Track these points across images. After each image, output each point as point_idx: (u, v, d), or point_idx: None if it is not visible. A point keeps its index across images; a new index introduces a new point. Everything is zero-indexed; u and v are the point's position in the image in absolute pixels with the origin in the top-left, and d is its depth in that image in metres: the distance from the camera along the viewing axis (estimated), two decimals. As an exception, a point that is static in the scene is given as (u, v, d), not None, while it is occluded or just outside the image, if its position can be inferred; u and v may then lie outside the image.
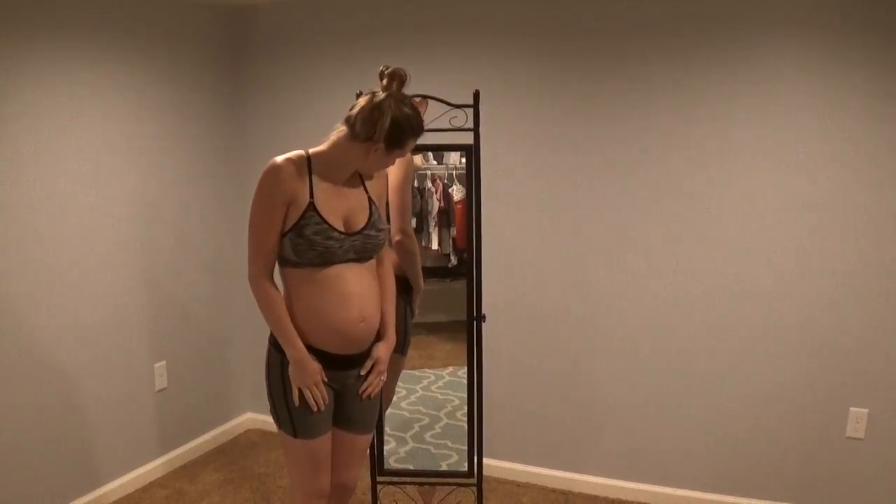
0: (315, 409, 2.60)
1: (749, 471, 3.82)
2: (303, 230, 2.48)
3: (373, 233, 2.63)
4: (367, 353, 2.73)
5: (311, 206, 2.50)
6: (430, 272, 3.56)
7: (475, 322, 3.36)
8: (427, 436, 4.45)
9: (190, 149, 4.41)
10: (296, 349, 2.55)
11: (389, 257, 2.90)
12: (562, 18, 3.84)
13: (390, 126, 2.45)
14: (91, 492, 3.92)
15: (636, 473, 4.05)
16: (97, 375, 3.92)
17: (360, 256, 2.62)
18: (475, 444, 3.48)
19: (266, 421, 4.93)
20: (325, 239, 2.50)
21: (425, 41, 4.15)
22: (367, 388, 2.76)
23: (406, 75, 2.54)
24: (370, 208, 2.65)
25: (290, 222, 2.49)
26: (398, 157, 2.61)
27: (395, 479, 3.63)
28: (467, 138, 3.24)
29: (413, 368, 4.88)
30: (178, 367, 4.45)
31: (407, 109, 2.49)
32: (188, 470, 4.42)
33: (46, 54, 3.54)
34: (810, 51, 3.44)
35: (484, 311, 3.48)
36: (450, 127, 3.20)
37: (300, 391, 2.59)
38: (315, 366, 2.58)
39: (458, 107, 3.20)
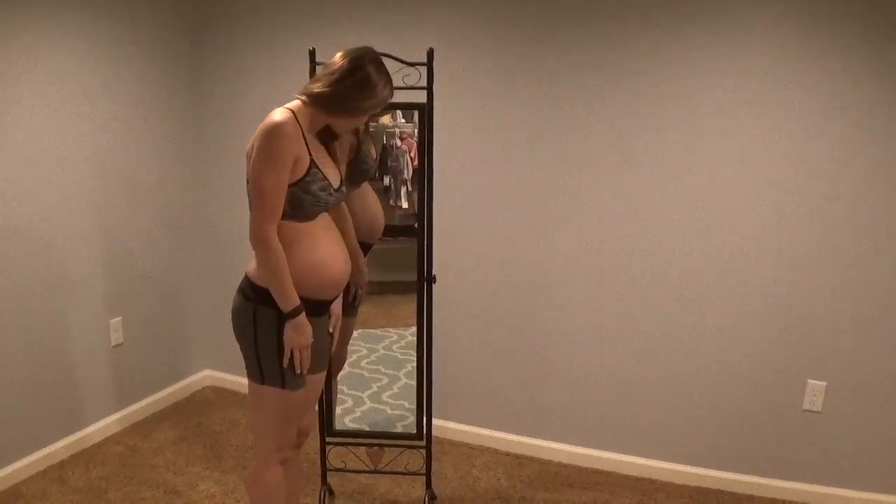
0: (299, 370, 2.63)
1: (705, 441, 3.80)
2: (309, 186, 2.51)
3: (345, 188, 2.77)
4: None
5: (314, 163, 2.53)
6: (396, 230, 3.50)
7: (425, 283, 3.31)
8: (385, 396, 4.42)
9: (147, 101, 4.32)
10: (297, 308, 2.56)
11: (344, 205, 2.98)
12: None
13: (349, 99, 2.51)
14: (44, 447, 3.90)
15: (591, 440, 4.03)
16: (51, 330, 3.87)
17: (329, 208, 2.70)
18: (424, 407, 3.45)
19: (224, 379, 4.91)
20: (328, 195, 2.59)
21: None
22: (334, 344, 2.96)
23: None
24: (337, 165, 2.73)
25: (295, 177, 2.50)
26: (362, 121, 2.70)
27: (344, 440, 3.59)
28: (421, 97, 3.17)
29: (375, 327, 4.84)
30: (135, 322, 4.40)
31: (360, 78, 2.51)
32: (143, 426, 4.39)
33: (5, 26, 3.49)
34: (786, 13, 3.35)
35: (438, 272, 3.42)
36: (403, 85, 3.13)
37: (291, 353, 2.61)
38: (309, 327, 2.61)
39: (411, 64, 3.12)
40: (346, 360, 3.77)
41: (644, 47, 3.57)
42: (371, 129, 4.20)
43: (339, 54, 2.55)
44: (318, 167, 2.53)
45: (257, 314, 2.61)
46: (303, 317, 2.57)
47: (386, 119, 4.01)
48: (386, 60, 3.05)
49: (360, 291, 3.37)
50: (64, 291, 3.93)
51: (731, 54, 3.44)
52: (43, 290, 3.81)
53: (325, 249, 2.62)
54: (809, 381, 3.58)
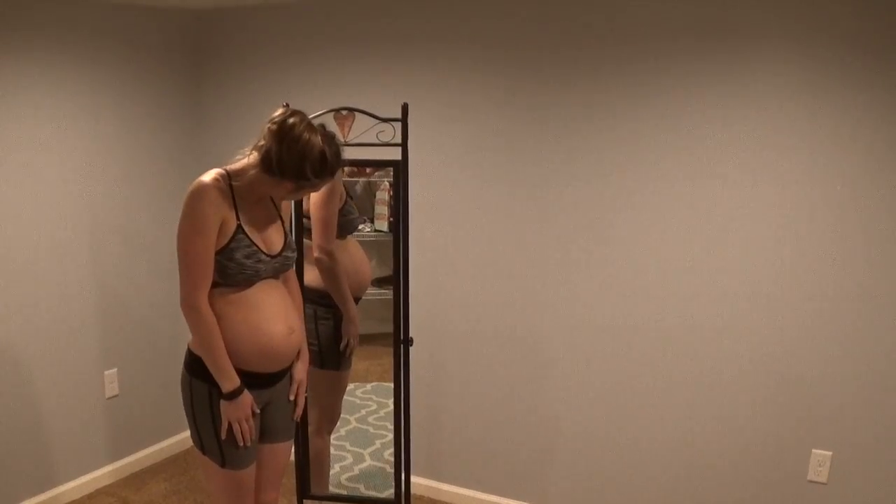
0: (241, 443, 2.54)
1: (703, 511, 3.63)
2: (233, 253, 2.43)
3: (289, 254, 2.65)
4: (289, 369, 2.73)
5: (240, 228, 2.46)
6: (387, 282, 3.44)
7: (402, 346, 3.22)
8: (387, 453, 4.35)
9: (140, 150, 4.30)
10: (232, 382, 2.48)
11: (294, 274, 2.85)
12: (498, 29, 3.66)
13: (301, 169, 2.40)
14: (36, 496, 3.90)
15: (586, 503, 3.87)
16: (44, 381, 3.87)
17: (276, 275, 2.61)
18: (402, 473, 3.34)
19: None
20: (256, 262, 2.48)
21: (352, 51, 4.02)
22: (297, 411, 2.82)
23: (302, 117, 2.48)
24: (283, 228, 2.65)
25: (219, 245, 2.43)
26: (312, 191, 2.63)
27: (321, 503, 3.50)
28: (396, 154, 3.10)
29: (388, 381, 4.77)
30: (131, 374, 4.37)
31: (317, 149, 2.41)
32: (136, 479, 4.35)
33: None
34: (789, 57, 3.21)
35: (425, 328, 3.42)
36: (377, 142, 3.07)
37: (229, 425, 2.52)
38: (248, 398, 2.53)
39: (385, 120, 3.06)
40: (339, 416, 3.67)
41: (624, 103, 3.47)
42: (367, 181, 4.18)
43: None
44: (244, 233, 2.45)
45: (192, 386, 2.56)
46: (236, 394, 2.49)
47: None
48: (360, 117, 3.03)
49: (351, 341, 3.31)
50: (58, 342, 3.92)
51: (732, 101, 3.31)
52: (36, 341, 3.81)
53: (262, 318, 2.51)
54: (814, 450, 3.39)
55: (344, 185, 3.30)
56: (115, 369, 4.25)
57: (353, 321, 3.28)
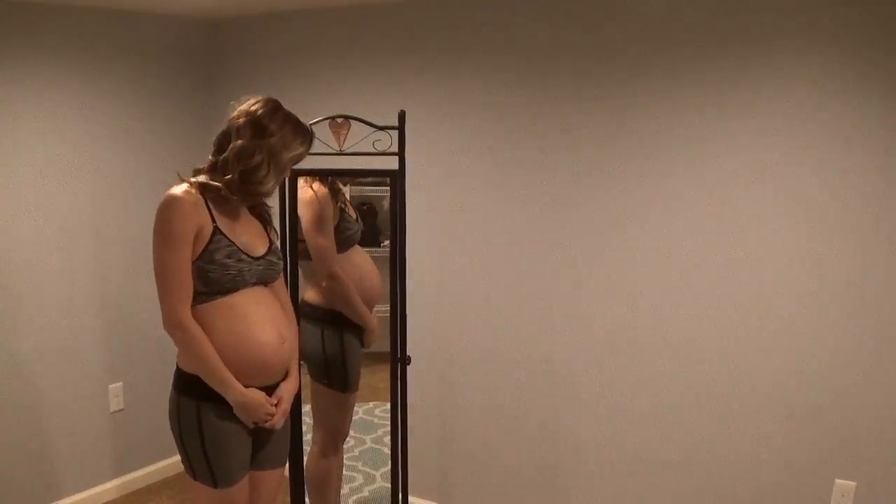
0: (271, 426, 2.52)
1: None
2: (213, 255, 2.38)
3: (274, 259, 2.60)
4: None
5: (217, 230, 2.41)
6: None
7: (399, 364, 3.11)
8: (398, 476, 4.25)
9: (149, 165, 4.25)
10: (235, 389, 2.42)
11: (285, 289, 2.77)
12: (497, 36, 3.56)
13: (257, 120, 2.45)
14: (39, 513, 3.86)
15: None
16: (49, 395, 3.83)
17: (263, 282, 2.54)
18: (399, 495, 3.23)
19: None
20: (237, 261, 2.42)
21: (345, 58, 3.95)
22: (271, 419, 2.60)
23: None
24: (266, 234, 2.60)
25: (197, 250, 2.38)
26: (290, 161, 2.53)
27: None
28: (392, 163, 3.00)
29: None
30: (136, 388, 4.31)
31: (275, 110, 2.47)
32: (142, 495, 4.29)
33: (7, 70, 3.51)
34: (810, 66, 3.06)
35: (438, 344, 3.39)
36: (374, 151, 2.98)
37: (216, 438, 2.46)
38: (259, 395, 2.47)
39: (382, 128, 2.97)
40: (346, 436, 3.59)
41: (637, 112, 3.34)
42: (377, 193, 4.11)
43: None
44: (222, 234, 2.39)
45: (180, 404, 2.50)
46: (247, 393, 2.43)
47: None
48: (356, 125, 2.94)
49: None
50: (63, 356, 3.89)
51: (749, 122, 3.16)
52: (41, 355, 3.78)
53: (250, 327, 2.44)
54: (837, 480, 3.23)
55: (349, 201, 3.27)
56: (119, 383, 4.20)
57: (373, 332, 3.23)
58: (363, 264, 3.33)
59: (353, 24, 3.91)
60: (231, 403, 2.42)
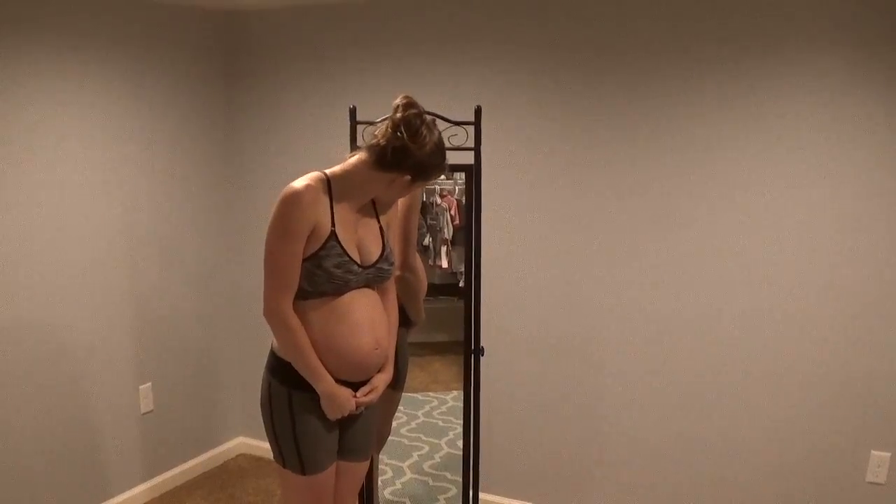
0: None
1: (763, 514, 3.61)
2: (322, 261, 2.37)
3: (386, 266, 2.57)
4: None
5: (333, 234, 2.39)
6: (437, 290, 3.38)
7: (473, 356, 3.15)
8: (426, 466, 4.29)
9: (178, 161, 4.22)
10: (326, 382, 2.45)
11: (394, 288, 2.76)
12: (568, 34, 3.61)
13: (423, 159, 2.37)
14: (71, 518, 3.77)
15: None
16: (79, 397, 3.75)
17: (370, 285, 2.54)
18: (470, 488, 3.27)
19: (258, 447, 4.74)
20: (345, 272, 2.41)
21: (423, 52, 3.94)
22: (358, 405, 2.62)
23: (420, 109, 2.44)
24: (382, 239, 2.57)
25: (309, 250, 2.37)
26: (420, 187, 2.59)
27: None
28: (468, 158, 3.04)
29: (416, 391, 4.70)
30: (166, 389, 4.26)
31: (436, 141, 2.41)
32: (174, 496, 4.24)
33: (29, 63, 3.40)
34: (830, 69, 3.21)
35: (486, 338, 3.31)
36: (449, 146, 3.00)
37: (306, 426, 2.49)
38: (346, 391, 2.50)
39: (458, 124, 3.00)
40: (388, 435, 3.62)
41: (696, 110, 3.44)
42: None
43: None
44: (338, 241, 2.39)
45: (272, 389, 2.51)
46: (336, 387, 2.46)
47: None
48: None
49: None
50: (92, 357, 3.82)
51: (792, 123, 3.29)
52: (71, 356, 3.70)
53: (346, 330, 2.45)
54: (873, 451, 3.38)
55: None
56: (149, 384, 4.14)
57: (418, 324, 3.24)
58: (420, 262, 3.36)
59: (412, 15, 3.93)
60: (319, 394, 2.45)
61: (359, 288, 2.49)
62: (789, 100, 3.27)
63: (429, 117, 2.42)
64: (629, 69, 3.52)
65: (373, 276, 2.52)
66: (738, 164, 3.41)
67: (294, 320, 2.40)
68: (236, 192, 4.52)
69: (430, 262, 4.09)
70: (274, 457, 2.58)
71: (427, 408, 4.65)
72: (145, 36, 3.93)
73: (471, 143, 3.03)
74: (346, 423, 2.63)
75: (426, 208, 4.19)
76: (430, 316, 3.34)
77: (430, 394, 4.56)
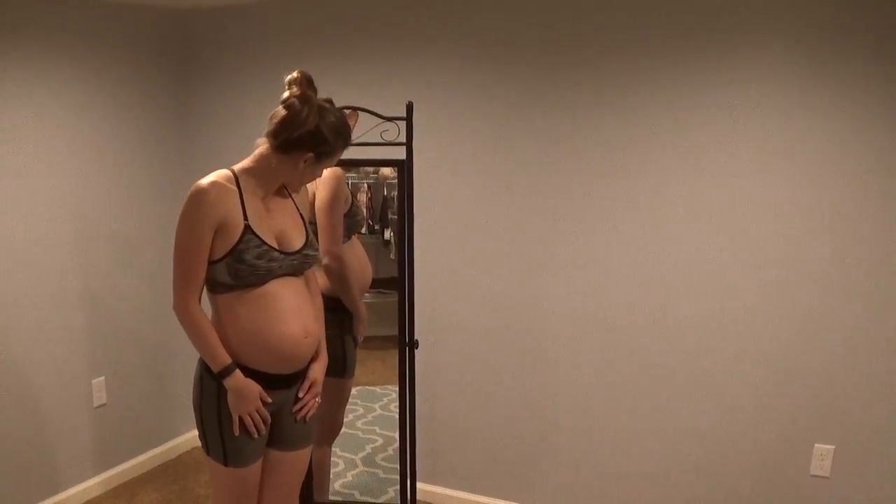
0: (255, 434, 2.51)
1: (706, 508, 3.61)
2: (242, 255, 2.36)
3: (311, 252, 2.57)
4: (305, 371, 2.65)
5: (248, 228, 2.39)
6: (393, 283, 3.37)
7: (407, 348, 3.16)
8: (378, 458, 4.30)
9: (131, 159, 4.22)
10: (233, 377, 2.44)
11: (314, 275, 2.76)
12: (504, 28, 3.62)
13: (318, 134, 2.37)
14: (22, 510, 3.79)
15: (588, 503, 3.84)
16: (30, 391, 3.76)
17: (294, 273, 2.53)
18: (408, 479, 3.29)
19: (215, 438, 4.74)
20: (268, 262, 2.41)
21: (357, 49, 3.96)
22: (302, 409, 2.66)
23: (308, 76, 2.44)
24: (304, 226, 2.59)
25: (226, 246, 2.37)
26: (328, 166, 2.54)
27: (326, 511, 3.44)
28: (400, 153, 3.04)
29: (374, 385, 4.71)
30: (119, 382, 4.27)
31: (332, 115, 2.41)
32: (127, 489, 4.25)
33: None
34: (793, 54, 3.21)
35: (428, 329, 3.42)
36: (381, 141, 3.02)
37: (240, 419, 2.48)
38: (255, 389, 2.47)
39: (390, 119, 3.01)
40: (341, 426, 3.61)
41: (640, 100, 3.45)
42: (371, 181, 4.14)
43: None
44: (253, 233, 2.39)
45: (203, 381, 2.53)
46: (237, 378, 2.44)
47: (387, 170, 3.94)
48: (363, 116, 2.97)
49: (358, 339, 3.28)
50: (44, 351, 3.82)
51: (741, 106, 3.30)
52: (22, 350, 3.71)
53: (275, 319, 2.45)
54: (817, 444, 3.39)
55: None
56: (102, 378, 4.15)
57: (362, 321, 3.24)
58: (360, 253, 3.36)
59: (354, 13, 3.93)
60: (227, 387, 2.45)
61: (284, 276, 2.48)
62: (723, 91, 3.28)
63: (319, 97, 2.43)
64: (572, 62, 3.53)
65: (298, 264, 2.51)
66: (683, 152, 3.42)
67: (200, 314, 2.42)
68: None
69: (392, 257, 4.10)
70: (200, 443, 2.59)
71: (385, 400, 4.66)
72: (95, 34, 3.93)
73: (402, 139, 3.02)
74: (284, 413, 2.63)
75: (388, 202, 4.21)
76: (390, 309, 3.34)
77: (388, 387, 4.56)
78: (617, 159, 3.52)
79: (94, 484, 4.16)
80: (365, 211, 4.12)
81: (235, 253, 2.36)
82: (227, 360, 2.43)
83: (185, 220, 2.36)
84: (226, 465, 2.53)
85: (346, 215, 3.08)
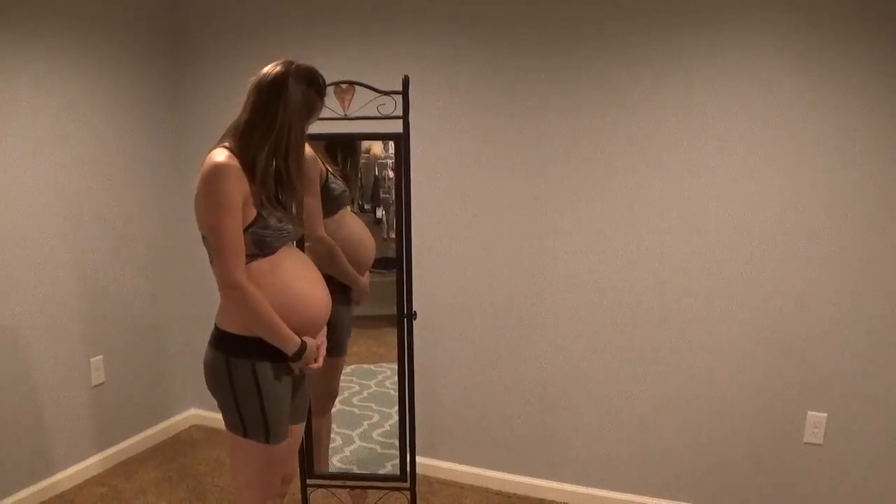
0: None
1: (703, 476, 3.67)
2: (268, 220, 2.39)
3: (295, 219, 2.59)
4: None
5: (259, 196, 2.41)
6: (391, 263, 3.39)
7: (405, 320, 3.19)
8: (375, 434, 4.31)
9: (123, 138, 4.22)
10: (295, 339, 2.46)
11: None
12: (502, 4, 3.64)
13: (285, 82, 2.42)
14: (27, 487, 3.81)
15: (582, 477, 3.90)
16: (28, 370, 3.77)
17: (293, 239, 2.60)
18: (407, 447, 3.32)
19: (210, 417, 4.79)
20: (287, 223, 2.47)
21: (353, 24, 3.97)
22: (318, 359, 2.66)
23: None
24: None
25: (250, 217, 2.37)
26: (310, 121, 2.55)
27: (326, 482, 3.47)
28: (396, 126, 3.06)
29: (369, 362, 4.73)
30: (117, 361, 4.29)
31: (302, 67, 2.46)
32: (126, 467, 4.28)
33: None
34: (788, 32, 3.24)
35: (424, 304, 3.42)
36: (377, 115, 3.03)
37: (273, 396, 2.49)
38: (312, 342, 2.55)
39: (386, 93, 3.02)
40: (336, 394, 3.64)
41: (634, 79, 3.48)
42: (363, 161, 4.14)
43: None
44: (266, 200, 2.41)
45: (231, 366, 2.46)
46: (310, 349, 2.51)
47: (378, 149, 3.93)
48: (360, 90, 2.99)
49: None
50: (43, 330, 3.83)
51: (732, 88, 3.33)
52: (20, 330, 3.71)
53: (304, 286, 2.50)
54: (810, 412, 3.44)
55: (324, 162, 3.19)
56: (100, 356, 4.16)
57: (364, 291, 3.26)
58: (357, 228, 3.36)
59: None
60: (290, 354, 2.45)
61: (287, 245, 2.53)
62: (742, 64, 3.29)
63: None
64: (565, 41, 3.56)
65: (295, 232, 2.55)
66: (687, 119, 3.45)
67: (254, 287, 2.38)
68: (182, 168, 4.55)
69: (384, 236, 4.11)
70: (230, 427, 2.54)
71: (380, 377, 4.66)
72: (89, 14, 3.93)
73: (399, 112, 3.04)
74: (296, 386, 2.67)
75: (378, 182, 4.21)
76: (384, 288, 3.36)
77: (383, 364, 4.56)
78: (615, 129, 3.56)
79: (93, 462, 4.18)
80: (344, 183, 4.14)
81: (260, 220, 2.37)
82: (297, 337, 2.46)
83: (213, 196, 2.31)
84: (268, 442, 2.52)
85: (322, 191, 3.08)
